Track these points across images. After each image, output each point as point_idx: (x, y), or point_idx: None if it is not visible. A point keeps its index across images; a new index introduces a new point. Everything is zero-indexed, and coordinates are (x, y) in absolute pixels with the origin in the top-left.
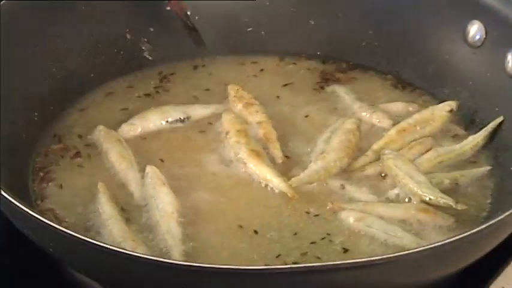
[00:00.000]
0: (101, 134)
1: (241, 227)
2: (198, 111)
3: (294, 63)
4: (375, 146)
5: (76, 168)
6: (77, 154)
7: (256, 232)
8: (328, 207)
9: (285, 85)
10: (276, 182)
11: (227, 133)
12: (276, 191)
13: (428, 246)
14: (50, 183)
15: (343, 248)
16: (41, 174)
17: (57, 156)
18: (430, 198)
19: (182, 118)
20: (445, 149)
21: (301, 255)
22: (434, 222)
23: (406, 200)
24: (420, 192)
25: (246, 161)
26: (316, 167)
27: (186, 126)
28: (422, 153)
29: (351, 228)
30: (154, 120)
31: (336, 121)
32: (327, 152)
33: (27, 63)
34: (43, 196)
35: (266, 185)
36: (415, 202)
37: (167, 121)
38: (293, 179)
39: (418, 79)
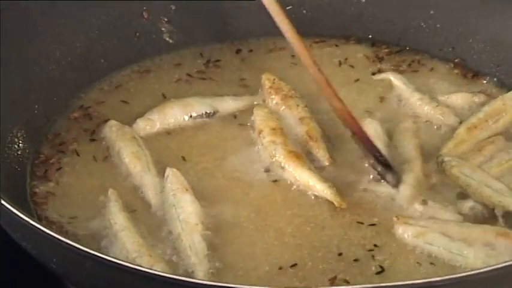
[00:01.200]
0: (112, 131)
1: (276, 241)
2: (227, 105)
3: (341, 47)
4: (445, 149)
5: (87, 163)
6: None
7: (294, 264)
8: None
9: (331, 74)
10: (320, 189)
11: (260, 132)
12: (320, 199)
13: (499, 266)
14: (52, 189)
15: (381, 266)
16: (51, 161)
17: (76, 130)
18: None
19: (208, 113)
20: None
21: (329, 281)
22: None
23: (482, 213)
24: (505, 203)
25: (283, 165)
26: (411, 180)
27: (213, 123)
28: (493, 155)
29: (407, 245)
30: (175, 115)
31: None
32: (410, 160)
33: (28, 47)
34: (44, 203)
35: (308, 193)
36: (498, 215)
37: (191, 116)
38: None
39: (486, 67)
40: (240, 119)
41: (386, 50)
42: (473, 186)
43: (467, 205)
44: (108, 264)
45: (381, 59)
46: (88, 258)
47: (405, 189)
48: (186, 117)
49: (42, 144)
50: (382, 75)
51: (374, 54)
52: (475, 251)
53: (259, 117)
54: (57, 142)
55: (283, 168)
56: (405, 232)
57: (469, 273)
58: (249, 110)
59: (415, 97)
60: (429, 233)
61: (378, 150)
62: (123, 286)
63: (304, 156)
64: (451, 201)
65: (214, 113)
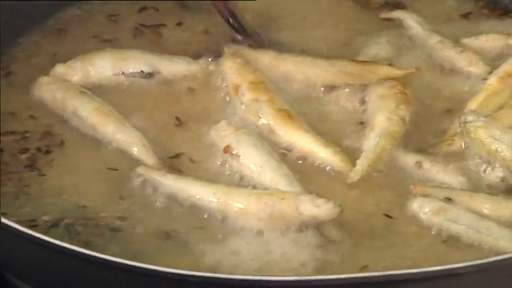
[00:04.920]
0: (51, 89)
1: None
2: (174, 67)
3: None
4: (472, 105)
5: None
6: None
7: None
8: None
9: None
10: (326, 155)
11: (236, 88)
12: (327, 168)
13: None
14: None
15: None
16: None
17: None
18: None
19: (145, 72)
20: None
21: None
22: None
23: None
24: None
25: (273, 127)
26: (370, 141)
27: (151, 86)
28: None
29: (422, 223)
30: (103, 67)
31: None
32: (371, 117)
33: None
34: None
35: (308, 161)
36: None
37: (122, 73)
38: (352, 173)
39: None
40: (189, 88)
41: None
42: (503, 152)
43: (497, 175)
44: (51, 248)
45: None
46: (28, 241)
47: (356, 168)
48: (117, 73)
49: None
50: (392, 14)
51: None
52: (509, 231)
53: (231, 69)
54: None
55: (273, 132)
56: (422, 207)
57: (500, 257)
58: (201, 78)
59: (434, 40)
60: (452, 208)
61: (231, 14)
62: (73, 275)
63: (298, 115)
64: (474, 172)
65: (153, 74)
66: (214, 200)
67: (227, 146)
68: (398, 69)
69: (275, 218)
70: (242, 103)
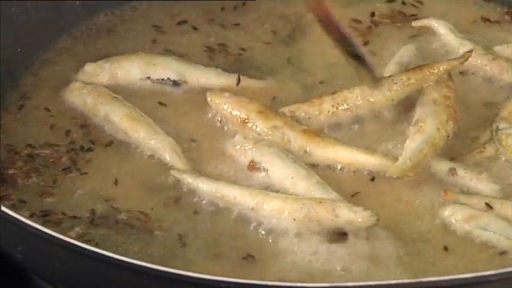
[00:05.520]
0: (83, 94)
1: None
2: (203, 78)
3: None
4: (504, 112)
5: None
6: None
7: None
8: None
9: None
10: (372, 161)
11: (244, 121)
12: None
13: None
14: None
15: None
16: None
17: None
18: None
19: (172, 80)
20: None
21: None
22: None
23: None
24: None
25: (307, 149)
26: (415, 144)
27: (177, 95)
28: None
29: (453, 230)
30: (130, 71)
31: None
32: (422, 119)
33: None
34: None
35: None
36: None
37: (148, 77)
38: (392, 167)
39: None
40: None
41: None
42: None
43: None
44: (87, 255)
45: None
46: (61, 247)
47: (398, 162)
48: (143, 78)
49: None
50: (423, 21)
51: None
52: None
53: (229, 104)
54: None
55: (309, 154)
56: (454, 214)
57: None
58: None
59: (466, 47)
60: (483, 215)
61: (349, 43)
62: (104, 280)
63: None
64: (506, 179)
65: (179, 82)
66: (249, 201)
67: (252, 162)
68: (455, 59)
69: (310, 220)
70: (259, 134)
